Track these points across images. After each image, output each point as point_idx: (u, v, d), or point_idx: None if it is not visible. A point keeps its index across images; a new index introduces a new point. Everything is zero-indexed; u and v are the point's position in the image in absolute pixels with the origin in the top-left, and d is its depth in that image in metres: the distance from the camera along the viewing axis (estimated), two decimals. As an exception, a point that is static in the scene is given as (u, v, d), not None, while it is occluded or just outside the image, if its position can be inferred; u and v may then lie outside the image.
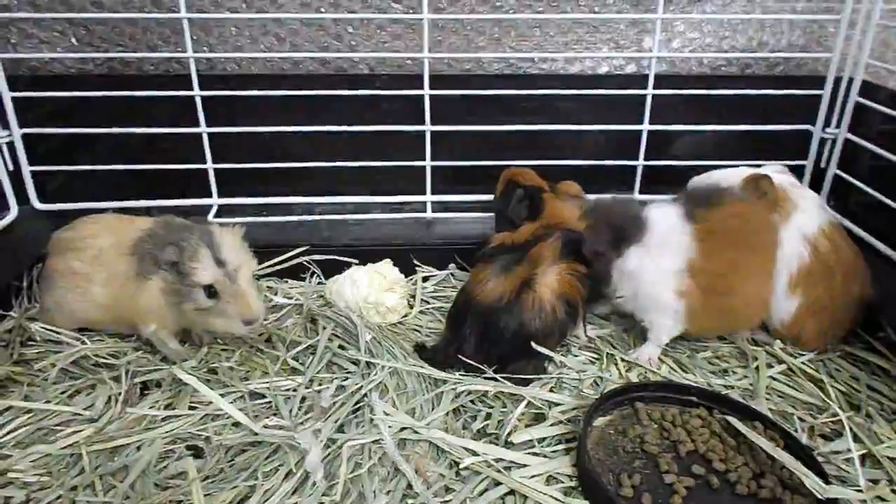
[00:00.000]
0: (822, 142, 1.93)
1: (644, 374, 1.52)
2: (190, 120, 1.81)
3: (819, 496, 1.12)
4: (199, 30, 1.91)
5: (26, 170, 1.81)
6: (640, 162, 1.97)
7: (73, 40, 1.90)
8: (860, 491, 1.17)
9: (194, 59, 1.76)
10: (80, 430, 1.29)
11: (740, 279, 1.50)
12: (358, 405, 1.37)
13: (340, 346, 1.55)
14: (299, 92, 1.81)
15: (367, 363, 1.47)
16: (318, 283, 1.84)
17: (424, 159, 1.90)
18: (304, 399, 1.39)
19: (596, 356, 1.57)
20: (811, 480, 1.13)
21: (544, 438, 1.30)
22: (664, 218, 1.53)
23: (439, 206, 1.99)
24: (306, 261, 1.85)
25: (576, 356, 1.57)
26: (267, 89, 1.83)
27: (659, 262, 1.50)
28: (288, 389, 1.42)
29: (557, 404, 1.37)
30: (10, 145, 1.77)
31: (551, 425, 1.32)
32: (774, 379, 1.51)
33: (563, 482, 1.21)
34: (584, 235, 1.51)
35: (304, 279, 1.86)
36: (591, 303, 1.58)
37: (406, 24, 1.95)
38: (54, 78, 1.92)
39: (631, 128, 1.93)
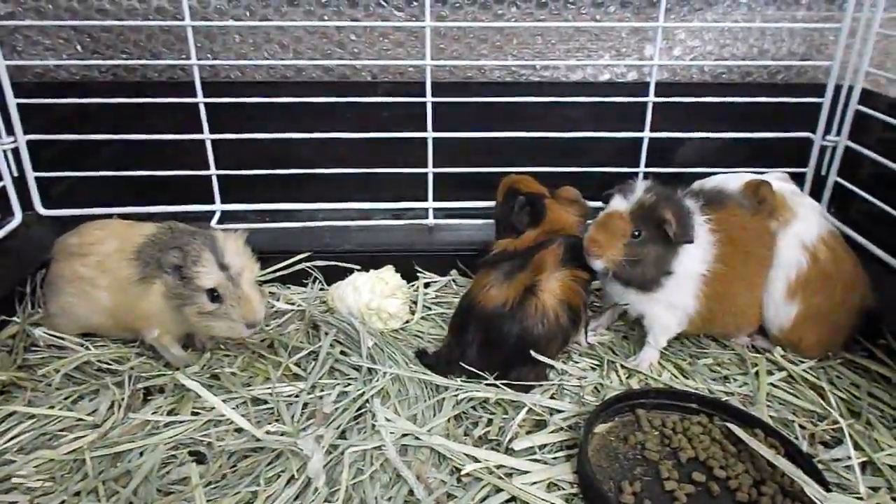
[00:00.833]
0: (823, 149, 1.93)
1: (645, 380, 1.52)
2: (193, 126, 1.82)
3: (819, 504, 1.12)
4: (203, 37, 1.92)
5: (31, 175, 1.82)
6: (642, 169, 1.97)
7: (78, 47, 1.92)
8: (861, 499, 1.18)
9: (198, 66, 1.77)
10: (84, 436, 1.29)
11: (735, 284, 1.51)
12: (360, 411, 1.37)
13: (342, 352, 1.55)
14: (302, 99, 1.81)
15: (369, 369, 1.47)
16: (321, 289, 1.85)
17: (426, 166, 1.90)
18: (306, 405, 1.40)
19: (597, 363, 1.58)
20: (812, 488, 1.13)
21: (545, 445, 1.30)
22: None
23: (441, 213, 2.00)
24: (308, 267, 1.86)
25: (576, 363, 1.57)
26: (270, 96, 1.83)
27: (687, 262, 1.47)
28: (290, 395, 1.43)
29: (558, 411, 1.38)
30: (15, 151, 1.78)
31: (552, 432, 1.32)
32: (775, 386, 1.51)
33: (564, 489, 1.21)
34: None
35: (306, 285, 1.86)
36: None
37: (408, 31, 1.96)
38: (59, 84, 1.93)
39: (632, 135, 1.93)
